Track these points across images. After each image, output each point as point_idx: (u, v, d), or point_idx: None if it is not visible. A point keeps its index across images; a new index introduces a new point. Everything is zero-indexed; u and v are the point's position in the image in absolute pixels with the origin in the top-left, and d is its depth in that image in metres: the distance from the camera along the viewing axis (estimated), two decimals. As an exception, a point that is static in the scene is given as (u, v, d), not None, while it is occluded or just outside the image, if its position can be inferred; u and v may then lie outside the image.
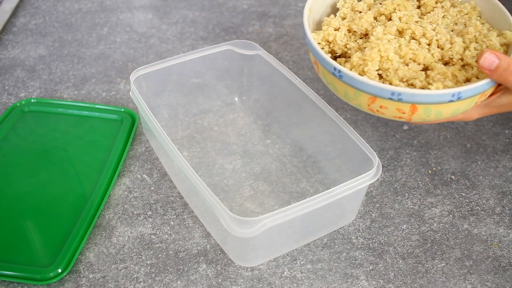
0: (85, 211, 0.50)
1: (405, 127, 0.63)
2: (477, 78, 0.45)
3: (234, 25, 0.79)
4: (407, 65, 0.45)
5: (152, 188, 0.55)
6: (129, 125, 0.60)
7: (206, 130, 0.61)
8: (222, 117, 0.63)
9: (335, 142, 0.53)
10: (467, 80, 0.45)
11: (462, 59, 0.46)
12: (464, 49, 0.46)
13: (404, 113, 0.44)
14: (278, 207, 0.53)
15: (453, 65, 0.46)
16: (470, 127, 0.63)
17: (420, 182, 0.57)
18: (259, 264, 0.48)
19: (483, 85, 0.42)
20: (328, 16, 0.51)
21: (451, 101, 0.42)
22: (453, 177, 0.57)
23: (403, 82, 0.45)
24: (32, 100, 0.63)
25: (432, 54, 0.46)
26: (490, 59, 0.42)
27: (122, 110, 0.62)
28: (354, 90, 0.44)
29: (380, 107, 0.44)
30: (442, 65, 0.45)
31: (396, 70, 0.45)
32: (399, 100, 0.42)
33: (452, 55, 0.46)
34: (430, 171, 0.58)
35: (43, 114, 0.62)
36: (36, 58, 0.72)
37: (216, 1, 0.85)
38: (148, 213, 0.53)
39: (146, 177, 0.56)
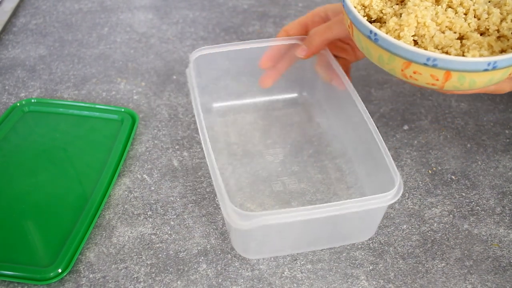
0: (85, 211, 0.50)
1: (405, 127, 0.63)
2: None
3: (235, 25, 0.79)
4: (443, 32, 0.45)
5: (152, 188, 0.55)
6: (129, 125, 0.60)
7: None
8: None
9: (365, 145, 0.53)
10: (502, 51, 0.45)
11: (498, 30, 0.46)
12: (501, 21, 0.46)
13: (437, 80, 0.44)
14: (279, 207, 0.53)
15: (488, 35, 0.46)
16: (470, 127, 0.63)
17: (420, 182, 0.57)
18: (260, 259, 0.49)
19: None
20: None
21: (486, 70, 0.42)
22: (453, 177, 0.57)
23: (438, 49, 0.45)
24: (33, 100, 0.63)
25: (469, 24, 0.46)
26: None
27: (123, 110, 0.62)
28: (389, 54, 0.44)
29: (414, 72, 0.44)
30: (478, 35, 0.45)
31: (432, 37, 0.45)
32: (434, 66, 0.42)
33: (488, 26, 0.46)
34: (430, 171, 0.58)
35: (43, 114, 0.62)
36: (37, 58, 0.72)
37: (216, 1, 0.85)
38: (148, 213, 0.53)
39: (146, 177, 0.56)
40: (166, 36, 0.77)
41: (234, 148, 0.59)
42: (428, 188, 0.56)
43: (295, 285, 0.47)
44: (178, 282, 0.47)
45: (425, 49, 0.45)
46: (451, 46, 0.44)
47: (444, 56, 0.42)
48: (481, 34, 0.47)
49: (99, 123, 0.61)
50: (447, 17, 0.46)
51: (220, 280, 0.47)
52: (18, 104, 0.62)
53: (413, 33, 0.45)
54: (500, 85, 0.48)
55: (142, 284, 0.47)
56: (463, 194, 0.56)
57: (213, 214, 0.53)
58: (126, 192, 0.55)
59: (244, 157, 0.58)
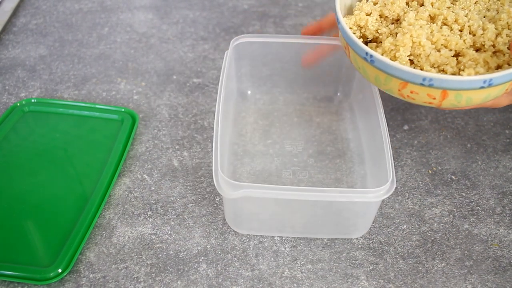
0: (85, 211, 0.50)
1: (405, 127, 0.63)
2: (509, 65, 0.45)
3: (235, 25, 0.79)
4: (438, 51, 0.45)
5: (153, 188, 0.55)
6: (130, 125, 0.60)
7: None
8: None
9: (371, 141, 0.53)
10: (499, 67, 0.45)
11: (493, 46, 0.46)
12: (496, 36, 0.46)
13: (434, 98, 0.44)
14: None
15: (484, 51, 0.46)
16: (470, 127, 0.63)
17: (420, 182, 0.56)
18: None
19: None
20: (360, 0, 0.51)
21: (482, 87, 0.42)
22: (453, 177, 0.57)
23: (434, 68, 0.45)
24: (33, 100, 0.63)
25: (464, 40, 0.46)
26: None
27: (123, 110, 0.62)
28: (385, 75, 0.44)
29: (411, 92, 0.44)
30: (474, 52, 0.45)
31: (428, 56, 0.45)
32: (430, 86, 0.42)
33: (484, 42, 0.46)
34: (430, 171, 0.58)
35: (43, 114, 0.62)
36: (37, 58, 0.72)
37: (217, 1, 0.85)
38: (148, 213, 0.53)
39: (146, 177, 0.56)
40: (166, 36, 0.77)
41: (234, 148, 0.59)
42: (428, 188, 0.56)
43: (295, 285, 0.47)
44: (178, 282, 0.47)
45: (421, 68, 0.45)
46: (447, 64, 0.44)
47: (439, 75, 0.42)
48: (477, 50, 0.46)
49: (99, 123, 0.61)
50: (442, 35, 0.46)
51: (220, 280, 0.47)
52: (18, 104, 0.62)
53: (409, 53, 0.45)
54: (497, 100, 0.48)
55: (142, 284, 0.47)
56: (463, 194, 0.56)
57: (213, 214, 0.53)
58: (126, 192, 0.55)
59: (243, 157, 0.58)
